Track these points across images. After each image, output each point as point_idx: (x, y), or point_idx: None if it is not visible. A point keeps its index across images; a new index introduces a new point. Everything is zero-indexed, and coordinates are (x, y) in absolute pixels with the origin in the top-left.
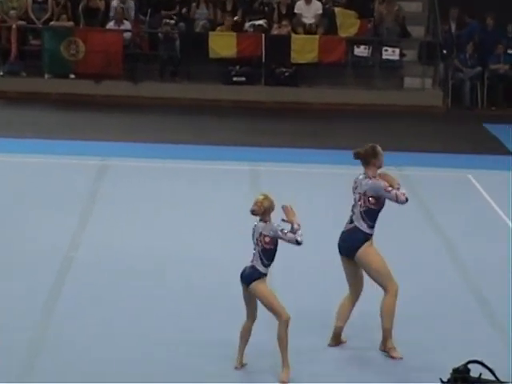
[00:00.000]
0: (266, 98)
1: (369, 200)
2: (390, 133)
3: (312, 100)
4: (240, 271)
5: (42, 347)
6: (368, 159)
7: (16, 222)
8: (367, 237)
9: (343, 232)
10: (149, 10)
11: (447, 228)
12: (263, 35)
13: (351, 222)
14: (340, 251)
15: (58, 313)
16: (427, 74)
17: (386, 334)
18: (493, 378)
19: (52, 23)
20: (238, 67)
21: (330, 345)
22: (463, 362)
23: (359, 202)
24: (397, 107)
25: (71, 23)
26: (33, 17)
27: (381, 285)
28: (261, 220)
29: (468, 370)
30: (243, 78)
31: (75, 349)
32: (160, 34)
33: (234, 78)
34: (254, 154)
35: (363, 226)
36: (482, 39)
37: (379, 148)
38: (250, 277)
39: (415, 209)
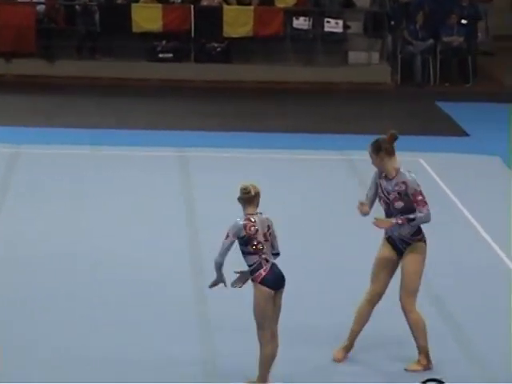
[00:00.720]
0: (195, 76)
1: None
2: (333, 113)
3: (247, 78)
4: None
5: None
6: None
7: None
8: None
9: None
10: None
11: None
12: (192, 6)
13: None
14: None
15: None
16: (374, 47)
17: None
18: None
19: None
20: (164, 42)
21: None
22: (422, 381)
23: (386, 199)
24: (341, 85)
25: None
26: None
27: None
28: (257, 212)
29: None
30: (170, 55)
31: None
32: (77, 7)
33: (160, 55)
34: (182, 138)
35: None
36: (433, 9)
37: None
38: (284, 276)
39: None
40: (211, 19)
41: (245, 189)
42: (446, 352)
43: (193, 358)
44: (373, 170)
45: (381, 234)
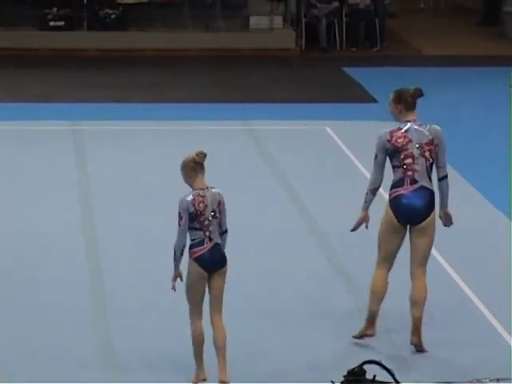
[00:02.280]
0: (88, 44)
1: (434, 150)
2: (235, 81)
3: (144, 46)
4: None
5: None
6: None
7: None
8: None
9: (404, 196)
10: None
11: (300, 188)
12: None
13: (415, 181)
14: (402, 218)
15: None
16: (276, 11)
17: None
18: (389, 380)
19: None
20: (55, 10)
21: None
22: (359, 363)
23: (425, 155)
24: (242, 51)
25: None
26: None
27: (422, 264)
28: (207, 187)
29: (364, 372)
30: (62, 23)
31: None
32: None
33: (51, 23)
34: (74, 110)
35: (430, 185)
36: None
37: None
38: (225, 258)
39: (265, 168)
40: None
41: (201, 153)
42: None
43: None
44: (275, 142)
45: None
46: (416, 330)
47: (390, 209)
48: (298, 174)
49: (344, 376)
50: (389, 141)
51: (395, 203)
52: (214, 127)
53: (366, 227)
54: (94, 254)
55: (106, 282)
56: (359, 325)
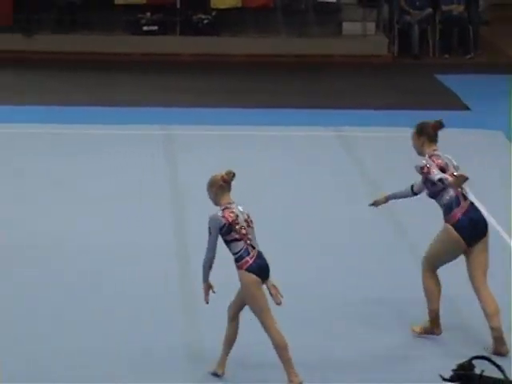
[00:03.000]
0: (181, 49)
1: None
2: (327, 87)
3: (235, 51)
4: None
5: None
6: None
7: None
8: None
9: (465, 213)
10: None
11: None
12: None
13: (465, 198)
14: (469, 237)
15: None
16: (369, 17)
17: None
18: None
19: None
20: (148, 14)
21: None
22: (467, 358)
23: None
24: (335, 57)
25: None
26: None
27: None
28: (233, 201)
29: (472, 367)
30: (155, 27)
31: None
32: None
33: (145, 28)
34: (168, 115)
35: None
36: None
37: None
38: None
39: (359, 181)
40: None
41: (230, 172)
42: None
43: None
44: (367, 147)
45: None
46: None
47: (454, 231)
48: (390, 181)
49: (453, 370)
50: (432, 162)
51: (460, 225)
52: (306, 133)
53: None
54: (185, 260)
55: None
56: None
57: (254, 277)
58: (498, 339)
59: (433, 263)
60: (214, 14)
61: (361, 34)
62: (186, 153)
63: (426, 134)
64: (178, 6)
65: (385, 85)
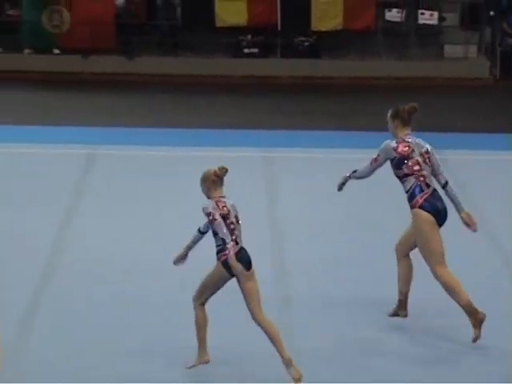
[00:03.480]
0: (282, 72)
1: (430, 159)
2: (428, 110)
3: (336, 74)
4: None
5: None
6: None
7: None
8: None
9: (430, 199)
10: None
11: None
12: None
13: (428, 186)
14: (442, 219)
15: (40, 321)
16: (471, 40)
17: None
18: None
19: None
20: (249, 37)
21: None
22: None
23: (427, 162)
24: (436, 80)
25: None
26: None
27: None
28: (224, 196)
29: None
30: (256, 50)
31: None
32: (158, 1)
33: (246, 50)
34: (267, 137)
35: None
36: None
37: None
38: (250, 261)
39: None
40: (299, 12)
41: (223, 168)
42: None
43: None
44: (470, 170)
45: None
46: None
47: (424, 212)
48: (493, 205)
49: None
50: (395, 150)
51: (423, 207)
52: None
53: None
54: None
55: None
56: None
57: (225, 272)
58: None
59: (435, 252)
60: (314, 36)
61: (462, 56)
62: (286, 176)
63: (400, 118)
64: (279, 28)
65: (487, 108)
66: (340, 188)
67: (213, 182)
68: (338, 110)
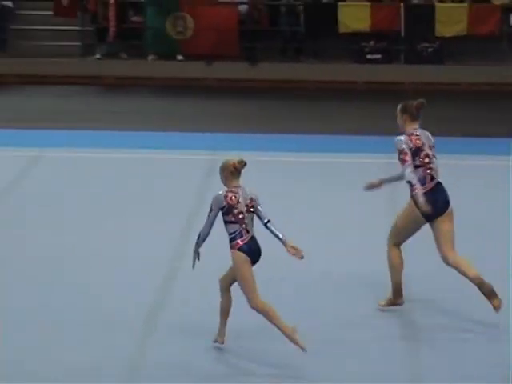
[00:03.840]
0: (405, 78)
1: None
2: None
3: (460, 79)
4: None
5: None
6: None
7: (117, 226)
8: None
9: (429, 194)
10: None
11: None
12: (402, 5)
13: (432, 179)
14: (432, 214)
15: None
16: None
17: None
18: None
19: None
20: (372, 43)
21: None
22: None
23: (434, 155)
24: None
25: None
26: None
27: (453, 246)
28: (240, 185)
29: None
30: (379, 56)
31: None
32: (282, 7)
33: (368, 56)
34: (388, 143)
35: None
36: None
37: None
38: (260, 251)
39: None
40: (422, 18)
41: (242, 161)
42: None
43: None
44: None
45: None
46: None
47: (414, 206)
48: None
49: None
50: (411, 141)
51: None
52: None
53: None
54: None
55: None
56: None
57: (243, 255)
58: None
59: (400, 236)
60: (438, 42)
61: None
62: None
63: (409, 113)
64: (403, 34)
65: None
66: (369, 188)
67: (231, 173)
68: (464, 116)
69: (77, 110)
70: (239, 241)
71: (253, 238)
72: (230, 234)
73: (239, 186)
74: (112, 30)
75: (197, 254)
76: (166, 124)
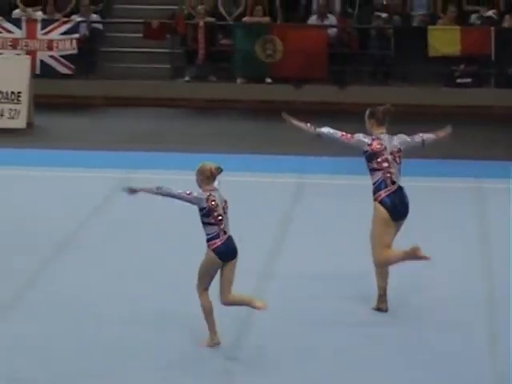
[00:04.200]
0: (495, 101)
1: (401, 156)
2: None
3: None
4: None
5: None
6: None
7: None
8: None
9: (392, 196)
10: (357, 2)
11: None
12: (492, 28)
13: (393, 183)
14: (397, 215)
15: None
16: None
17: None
18: None
19: (245, 19)
20: (462, 66)
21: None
22: None
23: (397, 160)
24: None
25: (267, 19)
26: (223, 12)
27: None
28: (215, 188)
29: None
30: (469, 80)
31: None
32: (372, 30)
33: (458, 80)
34: (481, 168)
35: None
36: None
37: None
38: (236, 249)
39: None
40: None
41: (219, 168)
42: None
43: None
44: None
45: None
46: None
47: (381, 207)
48: None
49: None
50: (369, 145)
51: (384, 202)
52: None
53: None
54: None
55: None
56: None
57: (214, 256)
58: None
59: (381, 242)
60: None
61: None
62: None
63: (376, 118)
64: (493, 57)
65: None
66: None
67: (207, 177)
68: None
69: (165, 132)
70: (217, 241)
71: (229, 238)
72: (207, 235)
73: (215, 190)
74: (201, 52)
75: (133, 191)
76: (255, 146)
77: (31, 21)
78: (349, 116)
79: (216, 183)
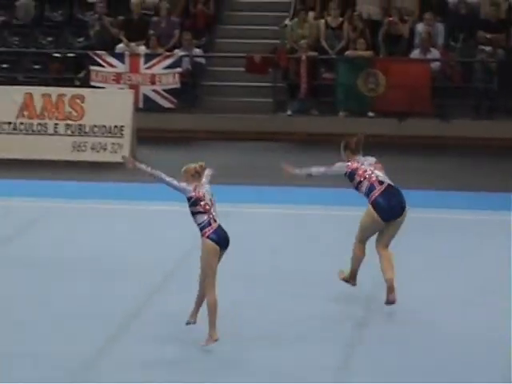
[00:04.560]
0: None
1: (380, 166)
2: None
3: None
4: None
5: None
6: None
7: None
8: None
9: (384, 194)
10: (461, 35)
11: None
12: None
13: (381, 183)
14: (389, 216)
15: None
16: None
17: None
18: None
19: (348, 53)
20: None
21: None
22: None
23: (377, 168)
24: None
25: (370, 52)
26: (325, 46)
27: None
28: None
29: None
30: None
31: None
32: (476, 63)
33: None
34: None
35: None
36: None
37: None
38: (228, 238)
39: None
40: None
41: (202, 165)
42: None
43: None
44: None
45: None
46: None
47: (371, 210)
48: None
49: None
50: (347, 167)
51: (376, 203)
52: None
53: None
54: None
55: None
56: None
57: (213, 245)
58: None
59: (361, 236)
60: None
61: None
62: None
63: (349, 149)
64: None
65: None
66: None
67: (192, 175)
68: None
69: (268, 166)
70: (209, 228)
71: (220, 227)
72: (198, 224)
73: (202, 185)
74: (303, 86)
75: (132, 165)
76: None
77: (134, 55)
78: (452, 150)
79: (204, 180)
